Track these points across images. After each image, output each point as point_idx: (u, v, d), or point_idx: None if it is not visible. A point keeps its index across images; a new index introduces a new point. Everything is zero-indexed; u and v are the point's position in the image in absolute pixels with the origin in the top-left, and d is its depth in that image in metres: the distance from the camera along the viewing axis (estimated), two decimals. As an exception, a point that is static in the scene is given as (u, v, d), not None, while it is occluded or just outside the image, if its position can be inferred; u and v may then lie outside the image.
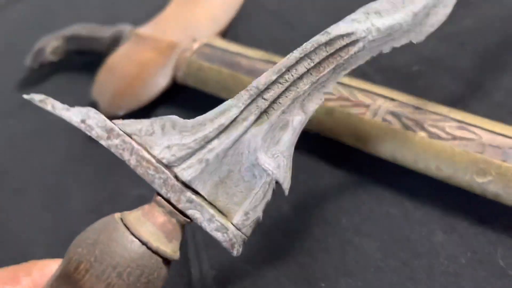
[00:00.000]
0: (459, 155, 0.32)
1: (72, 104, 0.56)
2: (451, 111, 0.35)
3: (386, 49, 0.31)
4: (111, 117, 0.48)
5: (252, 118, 0.29)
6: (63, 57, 0.61)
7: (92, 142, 0.50)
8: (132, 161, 0.29)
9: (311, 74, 0.29)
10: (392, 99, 0.36)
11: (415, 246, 0.33)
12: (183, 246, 0.31)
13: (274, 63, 0.42)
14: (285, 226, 0.36)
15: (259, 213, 0.29)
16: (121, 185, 0.45)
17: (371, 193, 0.36)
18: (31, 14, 0.80)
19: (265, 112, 0.29)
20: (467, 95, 0.39)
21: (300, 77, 0.29)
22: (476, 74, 0.40)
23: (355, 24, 0.30)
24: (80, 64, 0.62)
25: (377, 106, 0.36)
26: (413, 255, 0.32)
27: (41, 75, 0.63)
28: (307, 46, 0.29)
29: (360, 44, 0.30)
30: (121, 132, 0.29)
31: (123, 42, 0.54)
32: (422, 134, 0.34)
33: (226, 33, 0.55)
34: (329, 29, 0.30)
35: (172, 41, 0.50)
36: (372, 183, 0.37)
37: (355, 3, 0.50)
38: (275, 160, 0.29)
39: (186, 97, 0.50)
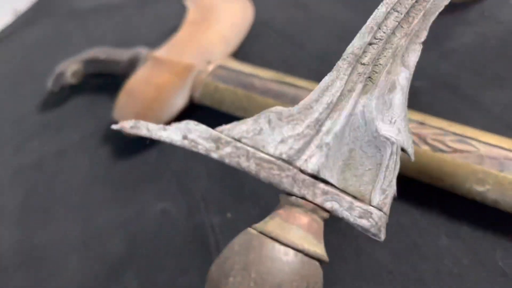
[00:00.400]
0: (459, 167, 0.35)
1: (93, 124, 0.60)
2: (451, 125, 0.38)
3: None
4: (133, 138, 0.52)
5: (359, 87, 0.28)
6: (82, 80, 0.64)
7: (114, 161, 0.54)
8: (252, 167, 0.26)
9: (402, 27, 0.28)
10: (397, 116, 0.39)
11: (423, 250, 0.35)
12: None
13: (286, 83, 0.46)
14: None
15: (394, 187, 0.27)
16: (144, 202, 0.48)
17: (380, 203, 0.39)
18: (45, 37, 0.83)
19: (369, 78, 0.28)
20: (466, 110, 0.42)
21: (393, 33, 0.28)
22: (474, 89, 0.43)
23: None
24: (98, 86, 0.65)
25: (383, 123, 0.39)
26: (421, 259, 0.35)
27: (60, 97, 0.66)
28: None
29: None
30: (229, 139, 0.27)
31: (140, 65, 0.58)
32: (426, 147, 0.37)
33: (237, 54, 0.58)
34: None
35: (188, 64, 0.54)
36: (381, 194, 0.39)
37: (361, 23, 0.53)
38: (394, 125, 0.27)
39: (203, 117, 0.52)
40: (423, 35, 0.29)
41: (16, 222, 0.53)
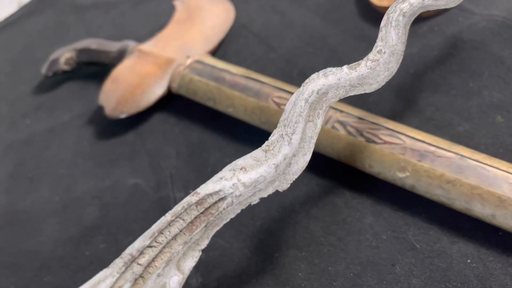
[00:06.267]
0: (386, 156, 0.41)
1: (82, 106, 0.66)
2: (386, 121, 0.43)
3: (255, 200, 0.33)
4: (114, 120, 0.58)
5: (127, 285, 0.29)
6: (75, 67, 0.70)
7: (97, 140, 0.59)
8: None
9: (184, 234, 0.30)
10: (341, 111, 0.45)
11: (350, 226, 0.41)
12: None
13: (252, 78, 0.51)
14: (251, 210, 0.45)
15: None
16: (119, 176, 0.54)
17: (321, 185, 0.44)
18: (46, 27, 0.89)
19: (140, 277, 0.29)
20: (405, 110, 0.47)
21: (174, 238, 0.30)
22: (414, 93, 0.48)
23: (222, 181, 0.31)
24: (89, 74, 0.70)
25: (328, 116, 0.45)
26: (347, 233, 0.41)
27: (55, 82, 0.72)
28: (178, 208, 0.31)
29: (228, 200, 0.31)
30: None
31: (127, 56, 0.63)
32: (361, 139, 0.42)
33: (216, 52, 0.63)
34: (198, 189, 0.31)
35: (169, 57, 0.59)
36: (322, 179, 0.45)
37: (328, 30, 0.59)
38: None
39: (178, 105, 0.58)
40: (204, 243, 0.31)
41: (4, 190, 0.59)
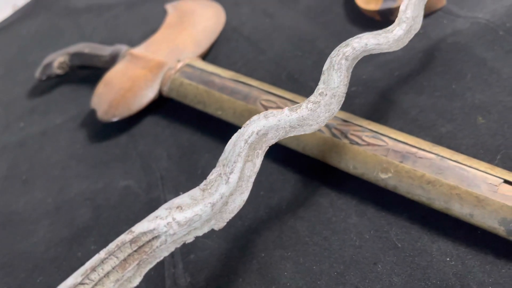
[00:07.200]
0: (369, 157, 0.42)
1: (75, 109, 0.67)
2: (369, 123, 0.44)
3: (190, 238, 0.33)
4: (106, 123, 0.59)
5: None
6: (68, 71, 0.71)
7: (90, 143, 0.60)
8: None
9: (117, 271, 0.30)
10: (326, 113, 0.46)
11: (335, 226, 0.42)
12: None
13: (240, 82, 0.52)
14: (239, 211, 0.45)
15: None
16: (111, 178, 0.55)
17: (307, 186, 0.45)
18: (40, 31, 0.90)
19: None
20: (390, 112, 0.48)
21: (106, 275, 0.30)
22: (399, 95, 0.49)
23: (157, 220, 0.31)
24: (82, 77, 0.72)
25: (314, 118, 0.46)
26: (332, 233, 0.41)
27: (48, 86, 0.73)
28: (112, 246, 0.31)
29: (162, 238, 0.31)
30: None
31: (119, 60, 0.64)
32: (345, 141, 0.43)
33: (207, 55, 0.64)
34: (133, 228, 0.31)
35: (160, 61, 0.60)
36: (308, 180, 0.46)
37: (317, 33, 0.60)
38: None
39: (169, 108, 0.59)
40: (136, 281, 0.32)
41: (-2, 192, 0.60)
